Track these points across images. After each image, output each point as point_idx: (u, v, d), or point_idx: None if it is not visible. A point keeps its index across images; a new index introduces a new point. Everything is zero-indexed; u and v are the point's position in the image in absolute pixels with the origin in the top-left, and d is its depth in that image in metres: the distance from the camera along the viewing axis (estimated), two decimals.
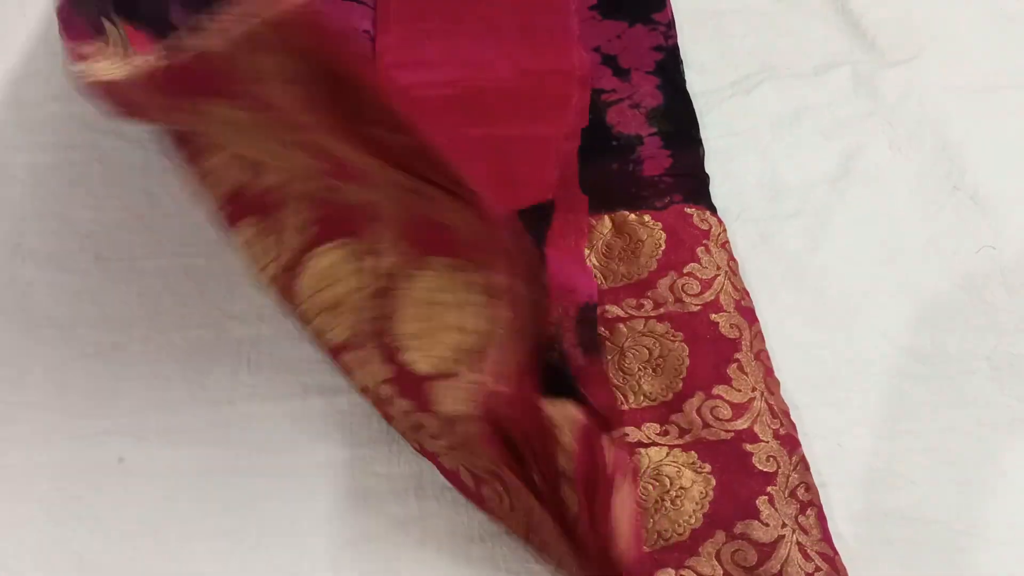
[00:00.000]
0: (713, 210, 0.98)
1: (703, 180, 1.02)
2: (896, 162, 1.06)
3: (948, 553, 0.78)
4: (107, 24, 0.97)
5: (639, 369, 0.87)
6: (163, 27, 1.07)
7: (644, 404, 0.85)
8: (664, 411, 0.85)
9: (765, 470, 0.80)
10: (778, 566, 0.74)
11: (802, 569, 0.74)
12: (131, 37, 1.01)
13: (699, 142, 1.05)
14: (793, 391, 0.87)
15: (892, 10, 1.22)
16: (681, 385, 0.86)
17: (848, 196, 1.03)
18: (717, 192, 1.01)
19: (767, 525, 0.76)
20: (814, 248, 0.98)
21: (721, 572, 0.75)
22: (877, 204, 1.02)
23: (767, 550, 0.75)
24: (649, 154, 1.03)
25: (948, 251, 0.98)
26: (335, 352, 0.83)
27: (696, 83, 1.12)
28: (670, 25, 1.16)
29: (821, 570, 0.74)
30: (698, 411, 0.84)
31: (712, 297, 0.91)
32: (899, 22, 1.20)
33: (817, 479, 0.80)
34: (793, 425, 0.83)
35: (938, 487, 0.81)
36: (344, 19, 1.14)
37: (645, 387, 0.86)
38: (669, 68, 1.12)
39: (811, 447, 0.83)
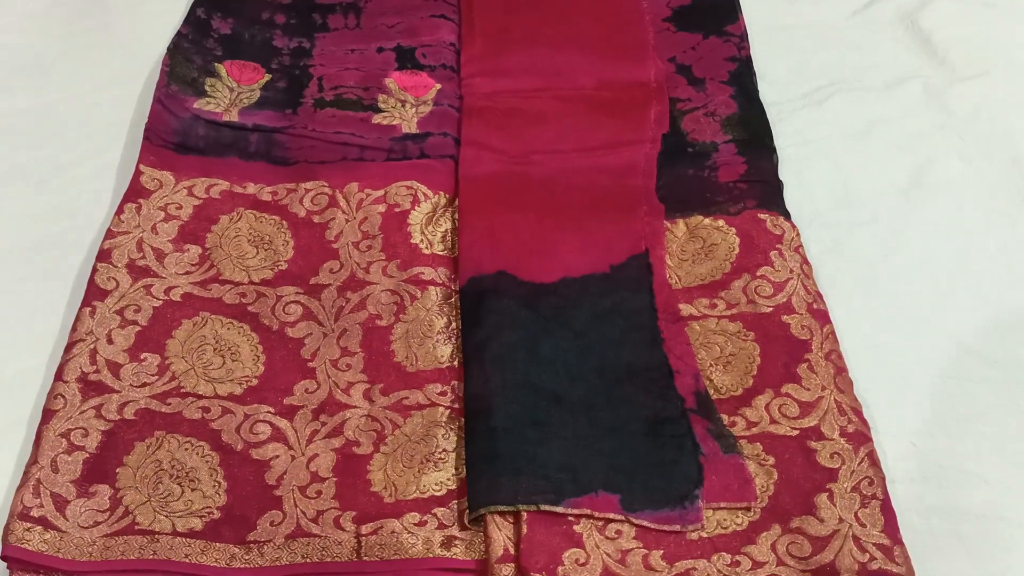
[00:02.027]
0: (787, 215, 1.01)
1: (777, 186, 1.05)
2: (967, 175, 1.08)
3: (1020, 550, 0.79)
4: (207, 79, 1.13)
5: (710, 364, 0.90)
6: (269, 54, 1.16)
7: (714, 397, 0.89)
8: (733, 405, 0.88)
9: (828, 466, 0.82)
10: (831, 556, 0.77)
11: (856, 560, 0.76)
12: (238, 72, 1.14)
13: (773, 149, 1.08)
14: (866, 391, 0.89)
15: (962, 28, 1.24)
16: (751, 382, 0.89)
17: (920, 206, 1.05)
18: (790, 199, 1.04)
19: (822, 521, 0.79)
20: (887, 255, 1.01)
21: (775, 560, 0.77)
22: (949, 215, 1.04)
23: (821, 543, 0.78)
24: (724, 160, 1.07)
25: (1019, 262, 1.00)
26: None
27: (768, 94, 1.15)
28: (743, 37, 1.20)
29: (876, 559, 0.76)
30: (767, 407, 0.87)
31: (784, 299, 0.94)
32: (969, 40, 1.23)
33: (889, 475, 0.83)
34: (865, 422, 0.86)
35: (1009, 487, 0.83)
36: (433, 34, 1.20)
37: (716, 381, 0.90)
38: (743, 78, 1.15)
39: (884, 445, 0.85)
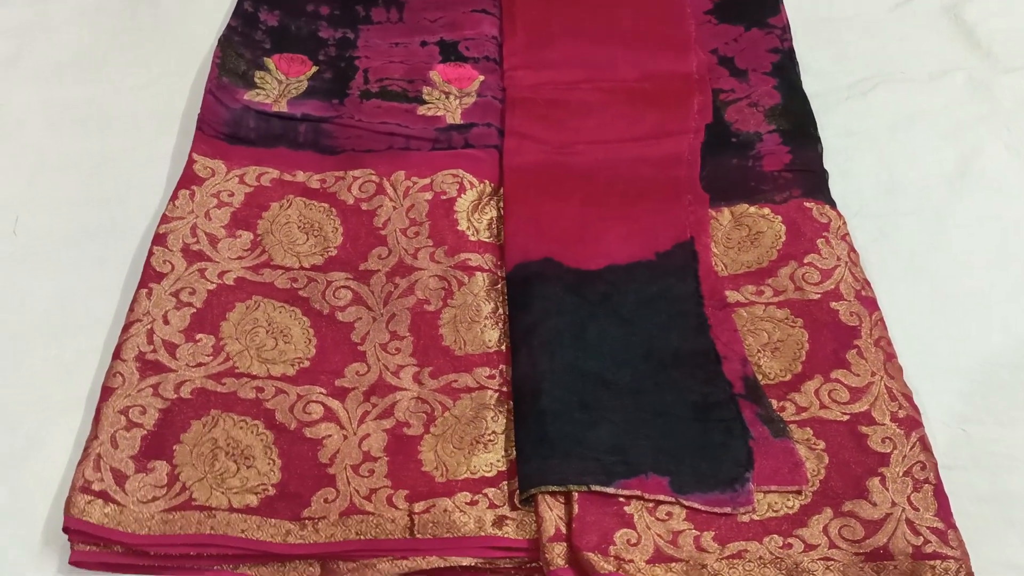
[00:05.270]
0: (832, 204, 1.01)
1: (822, 175, 1.04)
2: (1013, 165, 1.08)
3: None
4: (257, 73, 1.15)
5: (758, 351, 0.90)
6: (315, 45, 1.18)
7: (763, 382, 0.89)
8: (782, 390, 0.88)
9: (880, 451, 0.82)
10: (884, 539, 0.77)
11: (910, 543, 0.76)
12: (286, 65, 1.16)
13: (817, 139, 1.08)
14: (915, 378, 0.88)
15: (1007, 20, 1.23)
16: (800, 367, 0.89)
17: (965, 197, 1.05)
18: (836, 189, 1.04)
19: (875, 505, 0.79)
20: (933, 245, 1.00)
21: (827, 543, 0.77)
22: (994, 205, 1.04)
23: (874, 526, 0.78)
24: (768, 150, 1.07)
25: None
26: None
27: (812, 85, 1.15)
28: (785, 29, 1.20)
29: (930, 542, 0.76)
30: (816, 392, 0.87)
31: (832, 286, 0.94)
32: (1014, 32, 1.22)
33: (942, 462, 0.82)
34: (915, 408, 0.85)
35: None
36: (475, 28, 1.22)
37: (764, 367, 0.90)
38: (786, 69, 1.15)
39: (935, 432, 0.85)
